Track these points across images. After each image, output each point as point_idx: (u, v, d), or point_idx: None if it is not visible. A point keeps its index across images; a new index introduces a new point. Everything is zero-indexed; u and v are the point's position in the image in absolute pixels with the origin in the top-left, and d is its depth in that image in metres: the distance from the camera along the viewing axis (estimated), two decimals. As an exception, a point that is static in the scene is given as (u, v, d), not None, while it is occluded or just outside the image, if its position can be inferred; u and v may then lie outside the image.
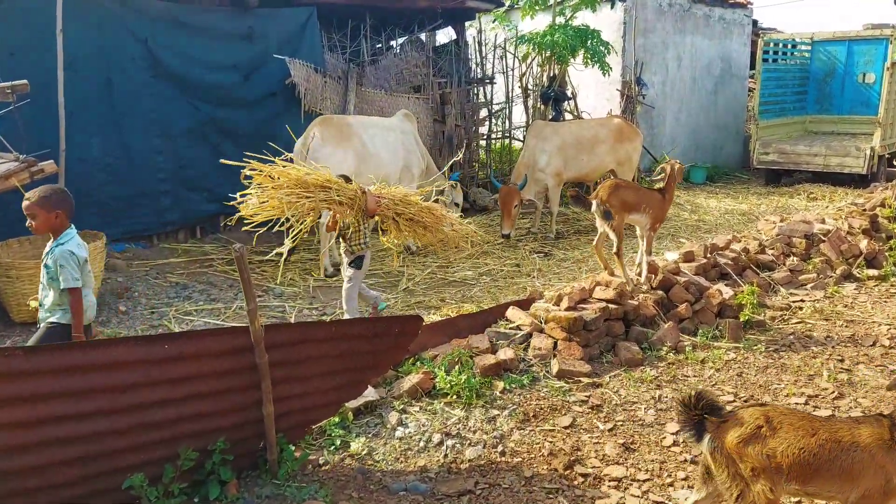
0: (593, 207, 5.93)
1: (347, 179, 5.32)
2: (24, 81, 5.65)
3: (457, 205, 8.61)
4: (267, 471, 3.65)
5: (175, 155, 8.49)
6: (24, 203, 3.86)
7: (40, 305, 3.98)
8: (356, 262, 5.45)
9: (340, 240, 5.53)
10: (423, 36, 10.97)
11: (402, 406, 4.31)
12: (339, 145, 7.68)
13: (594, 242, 6.15)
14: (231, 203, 5.20)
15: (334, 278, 7.46)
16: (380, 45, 10.73)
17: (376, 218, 5.35)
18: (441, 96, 10.86)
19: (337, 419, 4.13)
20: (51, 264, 3.86)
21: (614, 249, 5.87)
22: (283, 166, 5.00)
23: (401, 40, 11.01)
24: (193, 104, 8.55)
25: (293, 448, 3.74)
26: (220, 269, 7.74)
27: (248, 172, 4.94)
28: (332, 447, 3.96)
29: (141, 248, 8.27)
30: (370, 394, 4.30)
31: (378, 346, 3.89)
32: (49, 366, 2.90)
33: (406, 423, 4.16)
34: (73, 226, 3.99)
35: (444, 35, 12.24)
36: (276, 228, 5.05)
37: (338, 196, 5.05)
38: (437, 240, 5.61)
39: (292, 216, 4.92)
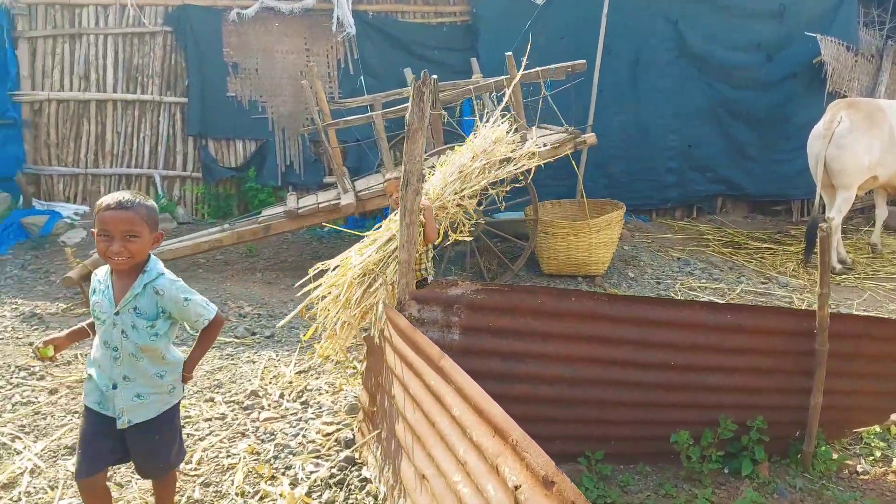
0: None
1: None
2: (583, 61, 6.36)
3: None
4: (798, 462, 3.52)
5: (685, 134, 8.69)
6: (121, 213, 2.33)
7: (112, 389, 2.46)
8: None
9: None
10: None
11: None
12: (868, 132, 6.83)
13: None
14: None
15: (842, 276, 6.80)
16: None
17: None
18: None
19: (878, 429, 3.75)
20: (153, 313, 2.43)
21: None
22: None
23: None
24: (710, 84, 8.59)
25: (828, 447, 3.53)
26: (717, 249, 7.70)
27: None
28: (871, 458, 3.62)
29: (642, 222, 8.73)
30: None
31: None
32: (625, 314, 3.23)
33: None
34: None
35: None
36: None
37: None
38: None
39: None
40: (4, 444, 3.51)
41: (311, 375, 4.43)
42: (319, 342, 3.73)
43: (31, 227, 7.42)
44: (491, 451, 2.25)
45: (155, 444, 2.55)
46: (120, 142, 8.24)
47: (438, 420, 2.66)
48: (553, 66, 6.38)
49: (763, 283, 6.60)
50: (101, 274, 2.50)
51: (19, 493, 3.11)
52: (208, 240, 6.38)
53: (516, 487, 2.08)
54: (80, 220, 7.86)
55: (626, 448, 3.49)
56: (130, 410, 2.47)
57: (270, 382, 4.33)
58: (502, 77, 6.27)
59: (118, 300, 2.41)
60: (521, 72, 5.74)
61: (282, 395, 4.15)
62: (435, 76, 3.05)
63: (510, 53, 5.87)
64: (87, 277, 5.85)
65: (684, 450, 3.35)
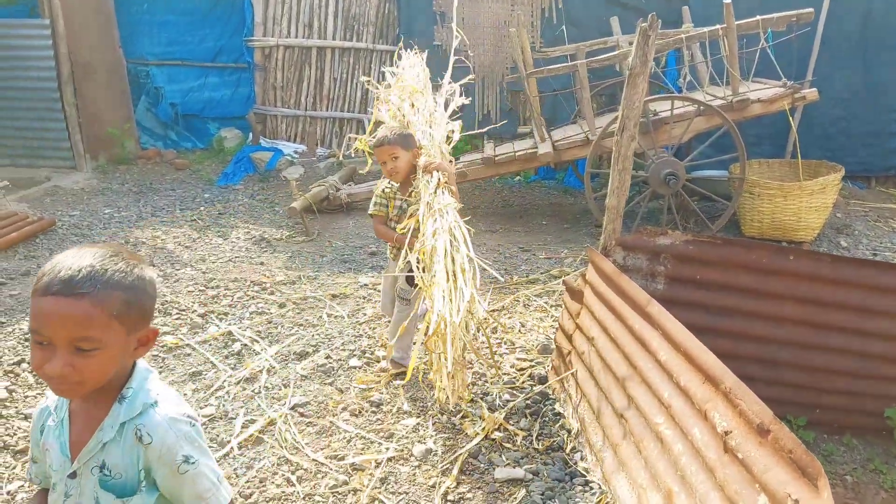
0: None
1: None
2: (810, 10, 5.87)
3: None
4: None
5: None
6: (68, 305, 1.24)
7: None
8: None
9: None
10: None
11: None
12: None
13: None
14: None
15: None
16: None
17: None
18: None
19: None
20: (129, 478, 1.36)
21: None
22: None
23: None
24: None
25: None
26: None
27: None
28: None
29: (858, 188, 7.98)
30: None
31: None
32: (849, 277, 3.06)
33: None
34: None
35: None
36: None
37: None
38: None
39: None
40: (246, 345, 4.07)
41: (504, 315, 4.64)
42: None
43: (258, 162, 8.29)
44: (700, 397, 2.29)
45: None
46: (336, 87, 8.88)
47: (641, 363, 2.72)
48: (775, 14, 5.95)
49: None
50: (52, 399, 1.45)
51: (259, 386, 3.61)
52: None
53: (727, 433, 2.11)
54: (299, 158, 8.64)
55: (833, 418, 3.35)
56: None
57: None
58: (717, 27, 5.95)
59: (75, 450, 1.38)
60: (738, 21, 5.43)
61: (477, 330, 4.40)
62: (660, 20, 3.01)
63: (729, 1, 5.55)
64: (308, 209, 6.49)
65: (898, 426, 3.16)
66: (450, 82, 4.35)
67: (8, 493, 2.77)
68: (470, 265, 2.88)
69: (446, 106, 4.18)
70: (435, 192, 3.25)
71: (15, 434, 3.15)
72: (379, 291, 4.60)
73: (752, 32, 6.01)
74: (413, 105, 4.05)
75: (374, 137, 3.58)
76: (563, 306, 3.74)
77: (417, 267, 3.00)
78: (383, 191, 3.58)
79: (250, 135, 9.06)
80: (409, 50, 4.63)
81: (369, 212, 3.64)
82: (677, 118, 5.89)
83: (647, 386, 2.65)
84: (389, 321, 3.90)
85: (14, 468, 2.92)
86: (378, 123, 4.15)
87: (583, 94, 6.22)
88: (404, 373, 3.45)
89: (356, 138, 4.88)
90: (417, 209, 3.27)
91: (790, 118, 6.09)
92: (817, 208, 6.05)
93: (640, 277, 3.24)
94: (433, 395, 3.03)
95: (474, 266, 2.88)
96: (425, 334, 2.80)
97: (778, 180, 6.52)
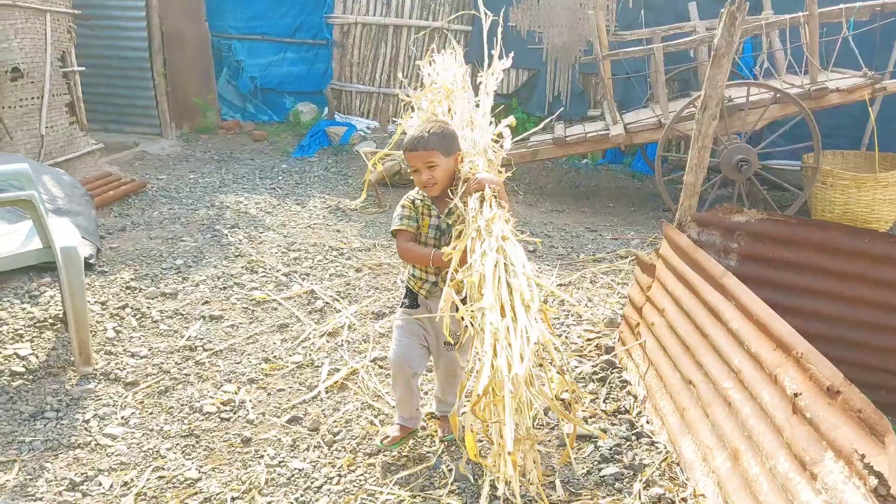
0: None
1: None
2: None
3: None
4: None
5: None
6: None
7: None
8: None
9: None
10: None
11: None
12: None
13: None
14: None
15: None
16: None
17: None
18: None
19: None
20: None
21: None
22: None
23: None
24: None
25: None
26: None
27: None
28: None
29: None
30: None
31: None
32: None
33: None
34: None
35: None
36: None
37: None
38: None
39: None
40: (328, 303, 4.33)
41: (571, 289, 4.78)
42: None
43: (332, 136, 8.59)
44: (770, 362, 2.42)
45: None
46: (410, 65, 9.08)
47: (712, 332, 2.85)
48: (858, 3, 5.87)
49: None
50: None
51: (341, 340, 3.87)
52: (481, 159, 6.93)
53: (796, 395, 2.23)
54: (371, 134, 8.90)
55: (900, 401, 3.40)
56: None
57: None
58: (799, 14, 5.91)
59: None
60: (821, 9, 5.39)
61: (544, 301, 4.56)
62: (747, 2, 3.09)
63: (813, -12, 5.52)
64: (381, 182, 6.73)
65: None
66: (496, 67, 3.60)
67: (122, 418, 3.08)
68: (535, 291, 2.19)
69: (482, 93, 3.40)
70: (480, 209, 2.45)
71: (124, 368, 3.47)
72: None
73: (834, 21, 5.94)
74: (450, 110, 3.23)
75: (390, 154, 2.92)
76: (634, 280, 3.87)
77: (463, 300, 2.24)
78: (413, 202, 2.64)
79: (325, 109, 9.36)
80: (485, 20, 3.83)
81: (393, 227, 2.65)
82: (752, 105, 5.88)
83: (716, 354, 2.78)
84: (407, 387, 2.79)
85: (125, 397, 3.24)
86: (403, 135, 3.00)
87: (658, 77, 6.26)
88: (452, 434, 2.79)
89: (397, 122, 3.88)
90: (463, 229, 2.45)
91: (870, 109, 6.01)
92: (892, 201, 5.98)
93: (714, 253, 3.34)
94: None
95: (537, 294, 2.19)
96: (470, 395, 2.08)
97: (852, 171, 6.45)
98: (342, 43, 9.14)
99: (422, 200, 2.64)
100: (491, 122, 3.11)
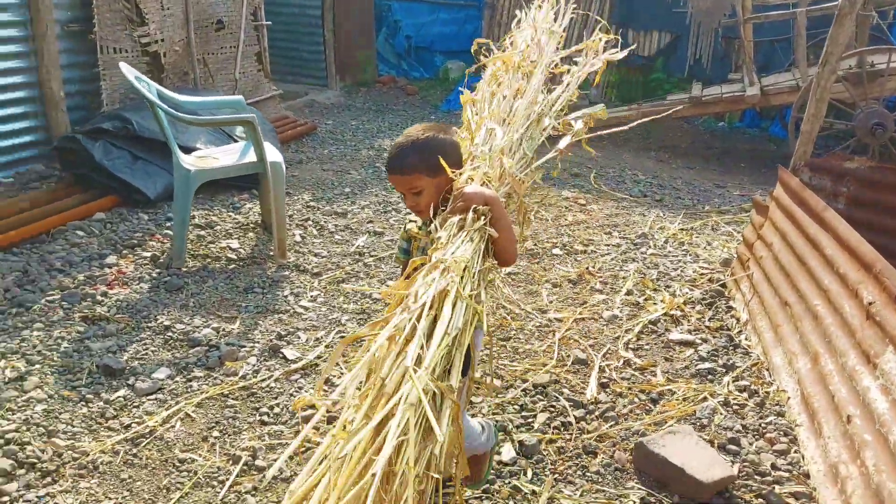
0: None
1: None
2: None
3: None
4: None
5: None
6: None
7: None
8: None
9: None
10: None
11: None
12: None
13: None
14: None
15: None
16: None
17: None
18: None
19: None
20: None
21: None
22: None
23: None
24: None
25: None
26: None
27: None
28: None
29: None
30: None
31: None
32: None
33: None
34: None
35: None
36: None
37: None
38: None
39: None
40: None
41: (693, 233, 5.18)
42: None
43: (478, 91, 9.24)
44: (853, 279, 2.83)
45: None
46: (555, 25, 9.53)
47: (809, 259, 3.26)
48: None
49: None
50: None
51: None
52: (617, 115, 7.34)
53: (870, 304, 2.65)
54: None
55: None
56: None
57: (657, 231, 5.21)
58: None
59: None
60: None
61: (666, 242, 5.01)
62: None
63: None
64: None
65: None
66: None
67: (311, 296, 3.93)
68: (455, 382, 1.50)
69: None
70: (450, 238, 1.81)
71: (310, 263, 4.33)
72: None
73: None
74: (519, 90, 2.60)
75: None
76: (749, 221, 4.26)
77: None
78: (406, 229, 2.25)
79: (473, 67, 9.99)
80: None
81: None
82: (893, 71, 5.90)
83: (810, 277, 3.19)
84: None
85: (312, 283, 4.09)
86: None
87: (798, 41, 6.38)
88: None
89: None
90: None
91: None
92: None
93: (823, 196, 3.69)
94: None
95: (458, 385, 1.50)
96: None
97: None
98: (493, 4, 9.71)
99: (413, 221, 2.24)
100: (563, 109, 2.69)
